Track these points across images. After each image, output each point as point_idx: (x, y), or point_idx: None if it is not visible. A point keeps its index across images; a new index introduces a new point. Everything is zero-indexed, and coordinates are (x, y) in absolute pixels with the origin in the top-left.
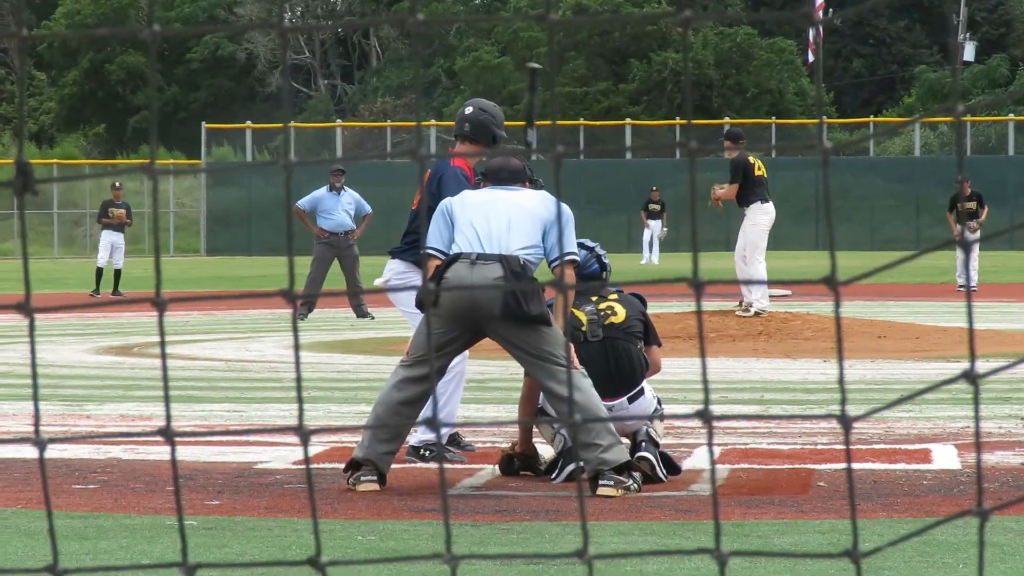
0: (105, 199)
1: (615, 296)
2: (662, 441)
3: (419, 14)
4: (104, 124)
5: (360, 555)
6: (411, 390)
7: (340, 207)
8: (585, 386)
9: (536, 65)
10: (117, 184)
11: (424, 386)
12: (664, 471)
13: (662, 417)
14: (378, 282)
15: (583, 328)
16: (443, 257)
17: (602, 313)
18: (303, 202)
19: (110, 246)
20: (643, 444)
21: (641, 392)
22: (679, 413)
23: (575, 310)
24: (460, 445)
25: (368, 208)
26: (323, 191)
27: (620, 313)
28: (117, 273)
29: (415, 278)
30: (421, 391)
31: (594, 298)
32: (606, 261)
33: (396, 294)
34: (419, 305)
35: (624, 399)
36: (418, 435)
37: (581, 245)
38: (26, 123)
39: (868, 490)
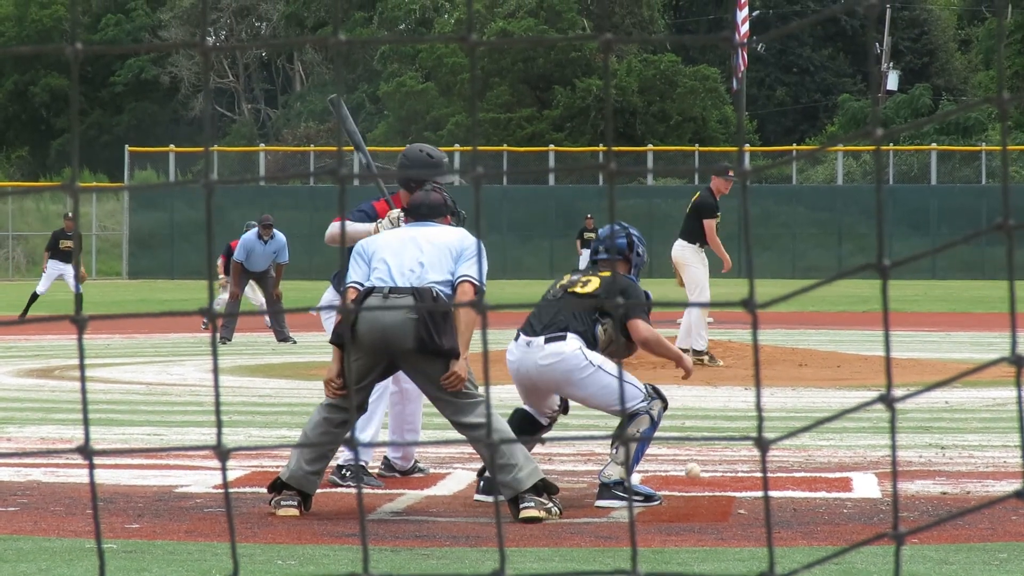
0: (56, 229)
1: (606, 273)
2: (619, 470)
3: (342, 35)
4: (27, 147)
5: None
6: (339, 415)
7: (266, 256)
8: (494, 413)
9: (333, 97)
10: (70, 214)
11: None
12: (639, 499)
13: (628, 440)
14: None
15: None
16: (362, 289)
17: (574, 282)
18: (238, 255)
19: (56, 276)
20: (598, 492)
21: (562, 338)
22: (733, 436)
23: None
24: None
25: (285, 258)
26: (253, 238)
27: (591, 286)
28: (79, 298)
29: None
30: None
31: (590, 273)
32: (641, 251)
33: (326, 323)
34: (336, 342)
35: (541, 338)
36: (344, 455)
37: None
38: None
39: (788, 518)
